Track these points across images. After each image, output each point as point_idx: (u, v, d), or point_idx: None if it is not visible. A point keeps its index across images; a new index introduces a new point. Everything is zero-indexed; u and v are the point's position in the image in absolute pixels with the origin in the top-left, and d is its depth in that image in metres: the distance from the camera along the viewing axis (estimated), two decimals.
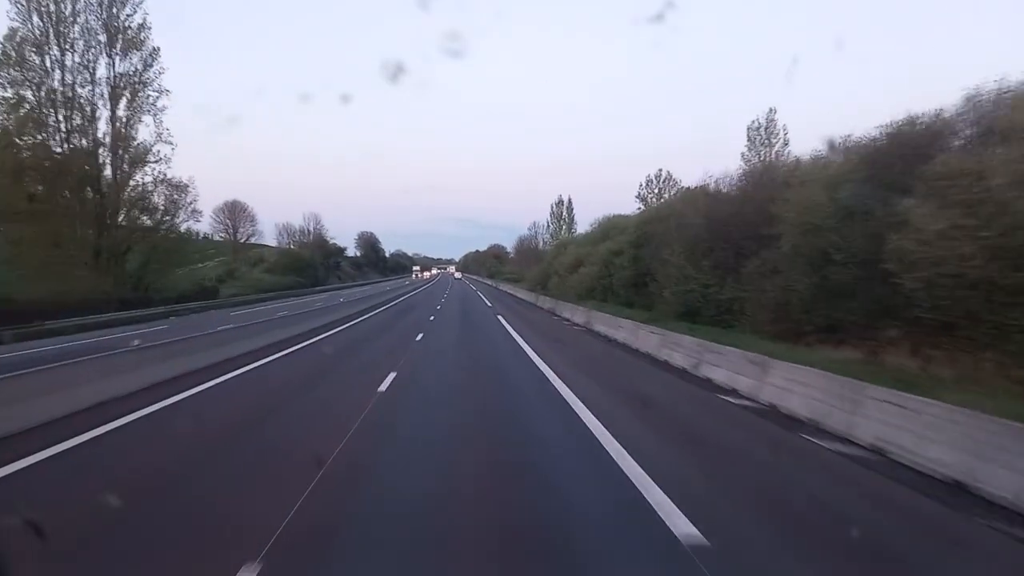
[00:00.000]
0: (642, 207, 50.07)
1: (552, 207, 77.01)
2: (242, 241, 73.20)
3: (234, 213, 70.95)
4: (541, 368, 11.59)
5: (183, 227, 39.22)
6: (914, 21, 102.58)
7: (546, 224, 77.67)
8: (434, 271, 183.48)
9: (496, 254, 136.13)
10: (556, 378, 10.26)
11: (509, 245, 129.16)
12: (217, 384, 9.84)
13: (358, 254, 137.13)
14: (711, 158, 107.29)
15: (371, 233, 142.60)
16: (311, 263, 69.67)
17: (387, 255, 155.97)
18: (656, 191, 61.13)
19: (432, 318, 25.30)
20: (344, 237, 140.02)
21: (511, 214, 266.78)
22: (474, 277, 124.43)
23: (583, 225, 61.69)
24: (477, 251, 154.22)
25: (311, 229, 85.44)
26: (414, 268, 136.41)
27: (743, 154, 35.47)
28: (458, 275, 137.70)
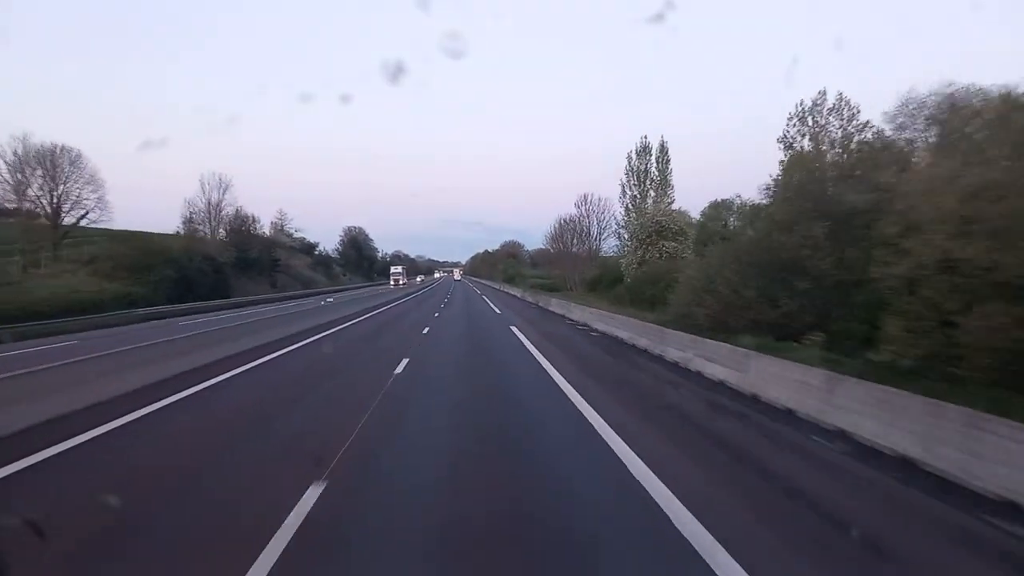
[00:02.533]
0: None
1: (629, 159, 44.59)
2: (73, 222, 40.80)
3: (47, 167, 38.36)
4: None
5: None
6: None
7: (621, 190, 45.24)
8: (436, 275, 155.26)
9: (511, 252, 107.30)
10: None
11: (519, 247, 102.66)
12: None
13: (335, 254, 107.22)
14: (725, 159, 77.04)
15: (359, 229, 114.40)
16: (177, 260, 36.52)
17: (380, 256, 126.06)
18: (814, 128, 30.93)
19: None
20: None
21: (519, 218, 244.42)
22: (484, 282, 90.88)
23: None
24: (487, 251, 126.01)
25: (212, 201, 53.37)
26: (393, 272, 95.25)
27: None
28: (458, 276, 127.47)
